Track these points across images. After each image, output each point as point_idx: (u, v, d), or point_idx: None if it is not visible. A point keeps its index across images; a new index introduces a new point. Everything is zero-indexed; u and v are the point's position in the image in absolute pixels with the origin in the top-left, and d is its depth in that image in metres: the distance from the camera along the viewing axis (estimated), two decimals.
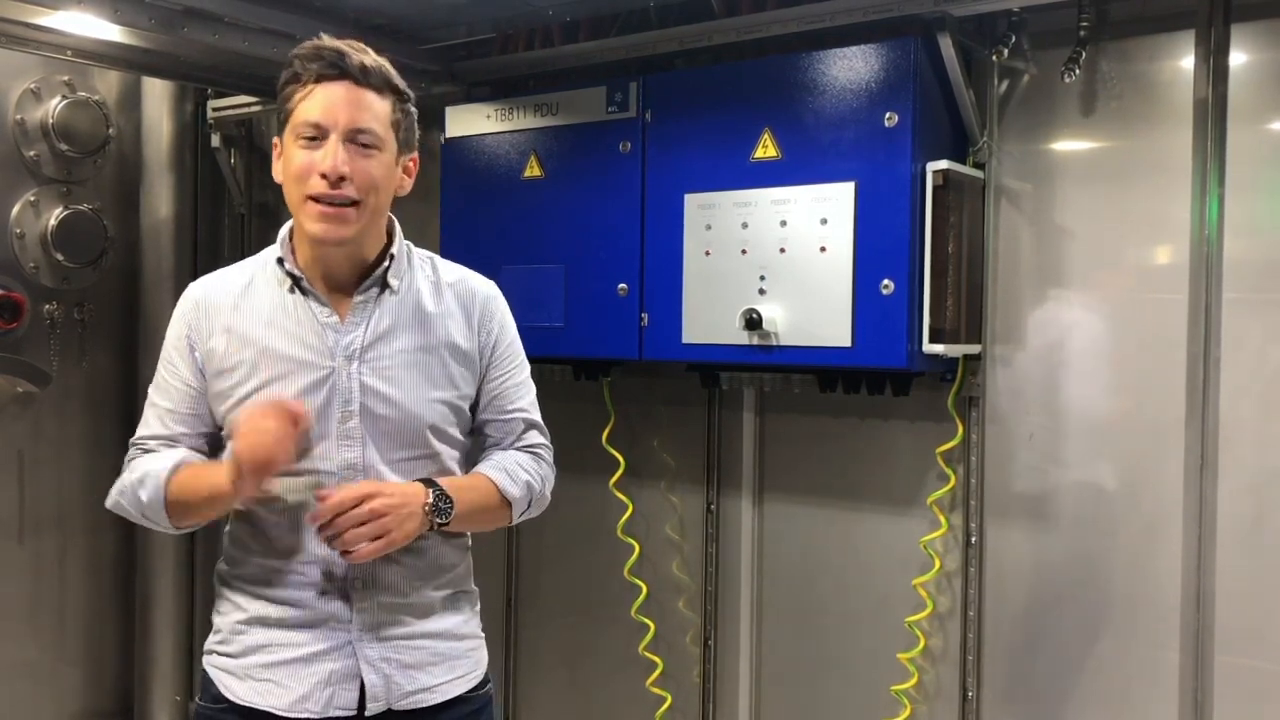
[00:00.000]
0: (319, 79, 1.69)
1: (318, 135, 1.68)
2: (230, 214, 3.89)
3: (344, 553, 1.68)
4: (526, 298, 2.90)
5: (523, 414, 1.93)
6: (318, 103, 1.68)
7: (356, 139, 1.69)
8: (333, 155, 1.67)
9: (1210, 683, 2.37)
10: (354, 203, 1.69)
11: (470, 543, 1.94)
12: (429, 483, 1.76)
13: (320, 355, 1.75)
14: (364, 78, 1.70)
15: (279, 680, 1.76)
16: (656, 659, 3.11)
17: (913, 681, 2.71)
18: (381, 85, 1.72)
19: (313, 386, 1.74)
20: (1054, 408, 2.54)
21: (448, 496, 1.76)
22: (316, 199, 1.68)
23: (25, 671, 3.52)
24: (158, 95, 3.61)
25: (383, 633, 1.77)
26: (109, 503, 1.83)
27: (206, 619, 1.91)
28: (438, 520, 1.75)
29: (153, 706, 3.66)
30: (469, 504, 1.80)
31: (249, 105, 3.55)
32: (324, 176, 1.67)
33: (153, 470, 1.75)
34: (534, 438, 1.95)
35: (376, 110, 1.71)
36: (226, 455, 1.74)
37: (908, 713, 2.72)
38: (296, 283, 1.78)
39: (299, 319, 1.77)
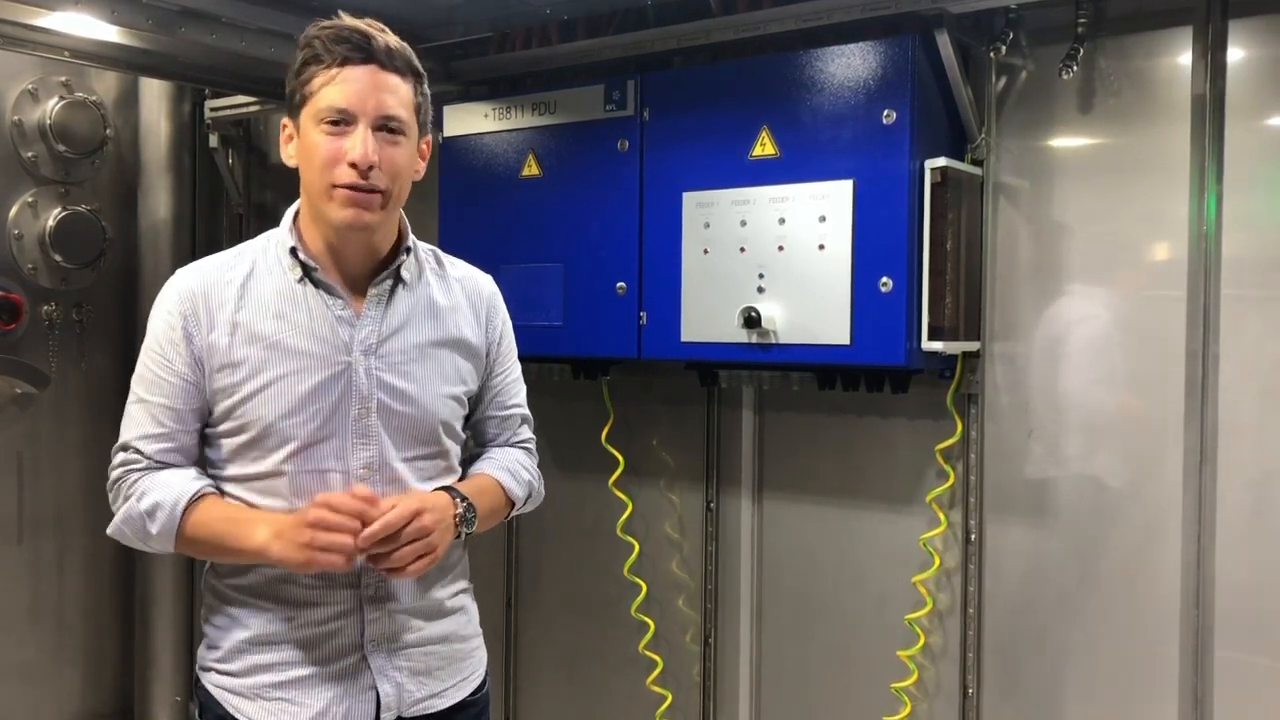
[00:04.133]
0: (344, 62, 1.62)
1: (344, 121, 1.63)
2: (228, 214, 3.90)
3: (390, 571, 1.64)
4: (525, 297, 2.90)
5: (520, 410, 1.96)
6: (344, 88, 1.62)
7: (384, 126, 1.65)
8: (363, 144, 1.62)
9: (1210, 678, 2.37)
10: (380, 190, 1.65)
11: (466, 539, 1.92)
12: (454, 492, 1.74)
13: (335, 350, 1.69)
14: (390, 61, 1.65)
15: (293, 699, 1.70)
16: (656, 657, 3.11)
17: (913, 679, 2.71)
18: (405, 68, 1.68)
19: (326, 383, 1.68)
20: (1053, 404, 2.54)
21: (473, 506, 1.74)
22: (345, 187, 1.63)
23: (24, 672, 3.52)
24: (155, 96, 3.61)
25: (394, 641, 1.75)
26: (110, 530, 1.72)
27: None
28: (465, 530, 1.73)
29: (152, 707, 3.66)
30: (486, 509, 1.80)
31: (247, 105, 3.55)
32: (353, 166, 1.62)
33: (164, 502, 1.66)
34: (526, 432, 2.00)
35: (402, 95, 1.67)
36: (257, 491, 1.69)
37: (908, 710, 2.73)
38: (309, 273, 1.71)
39: (310, 311, 1.69)
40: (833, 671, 2.87)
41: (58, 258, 3.48)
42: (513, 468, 1.90)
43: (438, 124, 3.06)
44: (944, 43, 2.39)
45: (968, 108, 2.50)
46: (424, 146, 1.77)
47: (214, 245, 3.76)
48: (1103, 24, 2.45)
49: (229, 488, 1.72)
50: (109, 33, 2.68)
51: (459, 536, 1.73)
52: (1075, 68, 2.43)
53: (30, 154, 3.43)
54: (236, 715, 1.72)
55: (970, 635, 2.64)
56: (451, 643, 1.83)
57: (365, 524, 1.59)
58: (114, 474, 1.73)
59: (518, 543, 3.43)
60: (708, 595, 3.06)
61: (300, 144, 1.69)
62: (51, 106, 3.43)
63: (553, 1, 2.80)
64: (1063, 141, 2.52)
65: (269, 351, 1.67)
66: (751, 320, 2.53)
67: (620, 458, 3.11)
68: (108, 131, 3.57)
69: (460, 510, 1.72)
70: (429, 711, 1.79)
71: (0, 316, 3.34)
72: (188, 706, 1.73)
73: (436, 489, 1.75)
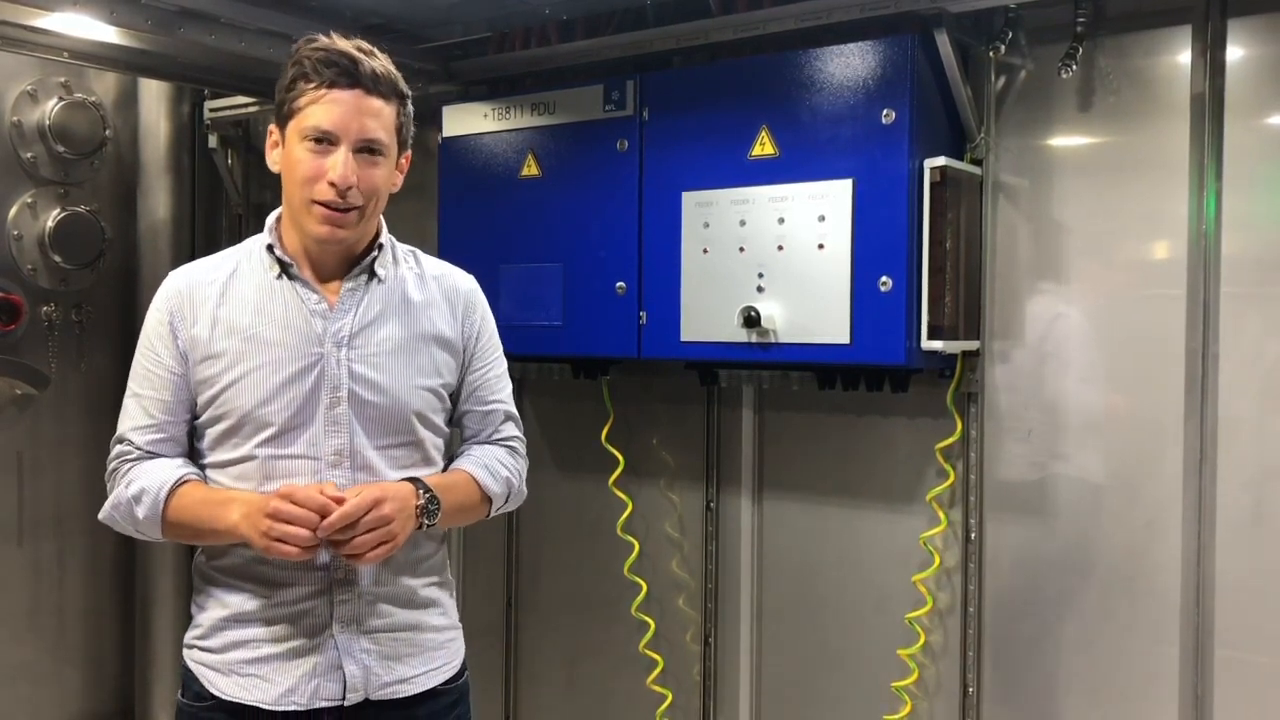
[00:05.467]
0: (331, 85, 1.71)
1: (327, 141, 1.71)
2: (228, 215, 3.89)
3: (350, 557, 1.70)
4: (525, 297, 2.90)
5: (502, 406, 1.98)
6: (329, 110, 1.70)
7: (365, 148, 1.73)
8: (342, 166, 1.70)
9: (1210, 677, 2.37)
10: (357, 207, 1.74)
11: (445, 533, 1.95)
12: (418, 483, 1.79)
13: (308, 341, 1.77)
14: (375, 86, 1.74)
15: (264, 675, 1.77)
16: (657, 657, 3.11)
17: (913, 678, 2.71)
18: (389, 92, 1.76)
19: (300, 373, 1.76)
20: (1052, 404, 2.54)
21: (436, 498, 1.79)
22: (323, 204, 1.72)
23: (25, 673, 3.52)
24: (154, 96, 3.61)
25: (363, 625, 1.79)
26: (102, 515, 1.83)
27: None
28: (426, 521, 1.78)
29: (153, 707, 3.66)
30: (453, 503, 1.84)
31: (246, 106, 3.55)
32: (332, 185, 1.70)
33: (150, 487, 1.75)
34: (510, 430, 2.00)
35: (384, 119, 1.75)
36: (231, 474, 1.77)
37: (908, 709, 2.73)
38: (285, 269, 1.80)
39: (287, 304, 1.79)
40: (833, 670, 2.87)
41: (57, 258, 3.47)
42: (491, 465, 1.93)
43: (437, 124, 3.06)
44: (943, 42, 2.39)
45: (967, 107, 2.50)
46: (403, 161, 1.85)
47: (213, 246, 3.76)
48: (1102, 23, 2.45)
49: (211, 473, 1.81)
50: (108, 33, 2.68)
51: (420, 527, 1.78)
52: (1074, 66, 2.43)
53: (29, 155, 3.42)
54: (211, 690, 1.79)
55: (970, 634, 2.65)
56: (422, 631, 1.87)
57: (325, 517, 1.66)
58: (110, 465, 1.84)
59: (518, 543, 3.43)
60: (708, 594, 3.06)
61: (284, 156, 1.78)
62: (50, 107, 3.43)
63: (552, 1, 2.80)
64: (1062, 140, 2.52)
65: (247, 343, 1.77)
66: (751, 320, 2.53)
67: (620, 457, 3.11)
68: (107, 132, 3.57)
69: (422, 501, 1.76)
70: (397, 696, 1.82)
71: (0, 317, 3.33)
72: None
73: (402, 479, 1.79)
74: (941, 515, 2.66)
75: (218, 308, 1.78)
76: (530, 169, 2.94)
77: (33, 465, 3.52)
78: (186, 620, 1.88)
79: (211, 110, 3.65)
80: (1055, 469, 2.54)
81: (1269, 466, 2.31)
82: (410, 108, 1.83)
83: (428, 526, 1.79)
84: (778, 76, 2.55)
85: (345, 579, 1.78)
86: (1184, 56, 2.37)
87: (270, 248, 1.81)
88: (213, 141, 3.69)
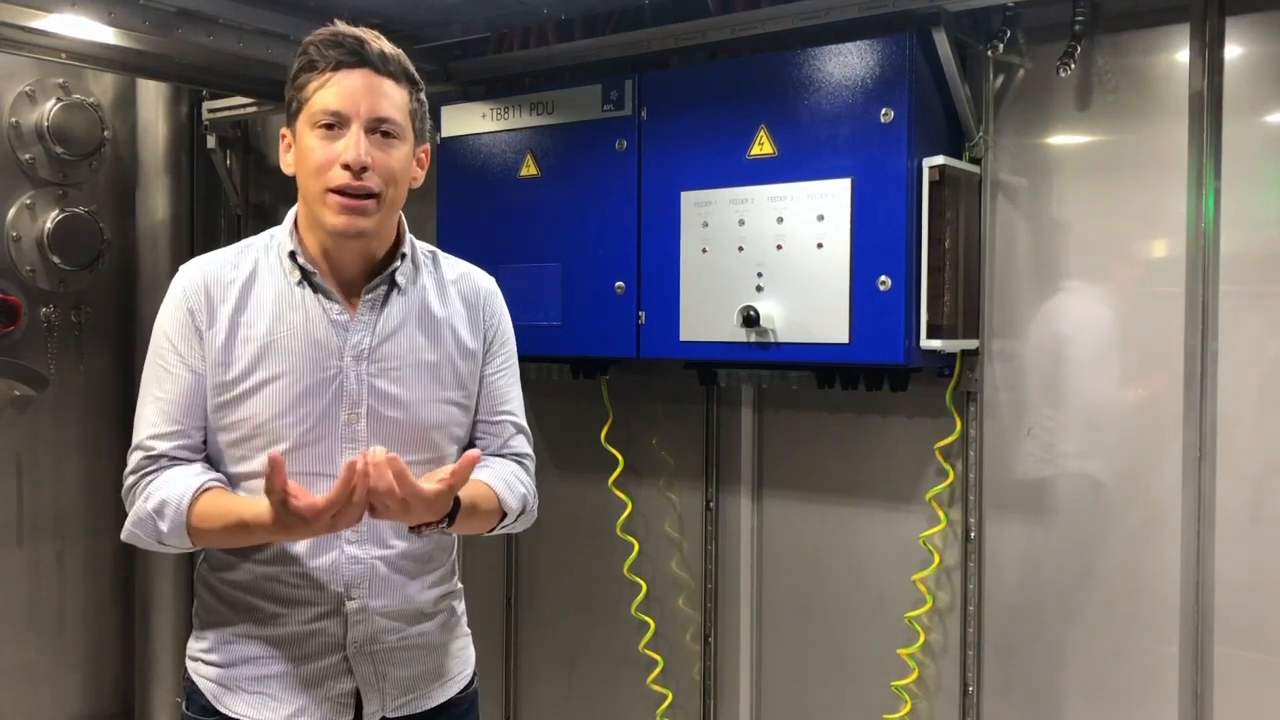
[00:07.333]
0: (338, 66, 1.63)
1: (337, 124, 1.62)
2: (226, 215, 3.90)
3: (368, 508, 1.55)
4: (524, 297, 2.90)
5: (510, 417, 1.87)
6: (338, 91, 1.62)
7: (378, 129, 1.64)
8: (356, 145, 1.61)
9: (1210, 675, 2.37)
10: (375, 195, 1.64)
11: (455, 543, 1.89)
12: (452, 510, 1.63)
13: (328, 354, 1.68)
14: (384, 65, 1.65)
15: (273, 693, 1.70)
16: (657, 656, 3.11)
17: (913, 676, 2.71)
18: (400, 74, 1.67)
19: (317, 386, 1.67)
20: (1052, 402, 2.54)
21: (454, 521, 1.64)
22: (338, 191, 1.62)
23: (25, 674, 3.53)
24: (153, 97, 3.61)
25: (377, 643, 1.73)
26: (124, 535, 1.69)
27: None
28: (440, 527, 1.64)
29: (153, 708, 3.66)
30: (467, 525, 1.70)
31: (244, 106, 3.55)
32: (347, 167, 1.61)
33: (170, 498, 1.63)
34: (521, 445, 1.89)
35: (396, 99, 1.66)
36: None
37: (908, 708, 2.73)
38: (308, 277, 1.70)
39: (307, 314, 1.69)
40: (833, 669, 2.87)
41: (56, 259, 3.48)
42: (509, 480, 1.81)
43: (435, 125, 3.06)
44: (941, 41, 2.39)
45: (965, 106, 2.50)
46: (421, 155, 1.76)
47: (212, 246, 3.68)
48: (1100, 21, 2.45)
49: None
50: (106, 34, 2.68)
51: (427, 527, 1.62)
52: (1073, 65, 2.43)
53: (28, 156, 3.42)
54: (217, 706, 1.73)
55: (970, 633, 2.65)
56: (436, 645, 1.82)
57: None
58: (128, 480, 1.70)
59: (518, 543, 3.43)
60: (708, 594, 3.06)
61: (296, 149, 1.69)
62: (49, 108, 3.43)
63: (550, 1, 2.79)
64: (1061, 139, 2.52)
65: (263, 352, 1.67)
66: (750, 319, 2.53)
67: (620, 457, 3.11)
68: (105, 133, 3.57)
69: (433, 528, 1.63)
70: (413, 712, 1.78)
71: None
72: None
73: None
74: (941, 514, 2.66)
75: (236, 310, 1.68)
76: (529, 169, 2.94)
77: (32, 467, 3.53)
78: (186, 622, 1.84)
79: (210, 111, 3.65)
80: (1054, 467, 2.54)
81: (1268, 464, 2.31)
82: (424, 97, 1.74)
83: (441, 531, 1.65)
84: (776, 76, 2.55)
85: (358, 593, 1.70)
86: (1182, 55, 2.37)
87: (293, 254, 1.70)
88: (211, 142, 3.70)
